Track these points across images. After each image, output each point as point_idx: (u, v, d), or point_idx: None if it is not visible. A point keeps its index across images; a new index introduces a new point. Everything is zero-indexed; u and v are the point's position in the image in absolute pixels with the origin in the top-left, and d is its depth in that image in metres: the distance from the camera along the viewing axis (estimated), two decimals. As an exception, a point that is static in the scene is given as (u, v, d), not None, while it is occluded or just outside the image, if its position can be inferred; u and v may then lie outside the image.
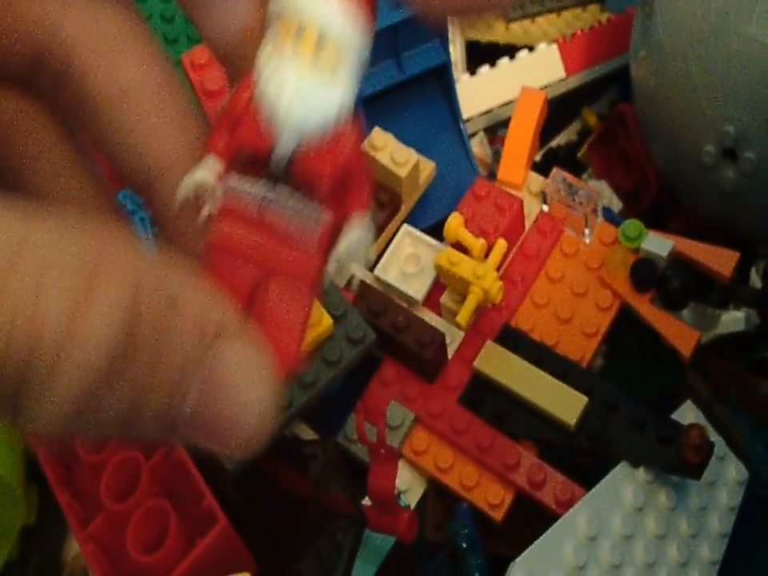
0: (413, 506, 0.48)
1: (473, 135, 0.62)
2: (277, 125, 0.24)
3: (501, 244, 0.50)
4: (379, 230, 0.53)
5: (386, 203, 0.53)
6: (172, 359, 0.21)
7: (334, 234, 0.25)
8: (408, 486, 0.49)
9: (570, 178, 0.54)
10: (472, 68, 0.65)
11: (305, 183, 0.24)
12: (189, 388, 0.21)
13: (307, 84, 0.23)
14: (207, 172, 0.25)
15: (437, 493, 0.49)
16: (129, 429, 0.22)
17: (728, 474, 0.49)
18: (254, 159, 0.24)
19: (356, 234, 0.25)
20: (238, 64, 0.26)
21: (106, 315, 0.20)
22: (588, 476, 0.47)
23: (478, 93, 0.63)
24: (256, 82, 0.24)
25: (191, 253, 0.25)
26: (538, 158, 0.63)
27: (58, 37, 0.25)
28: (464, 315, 0.48)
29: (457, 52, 0.67)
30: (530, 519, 0.46)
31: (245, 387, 0.22)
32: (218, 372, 0.22)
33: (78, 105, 0.26)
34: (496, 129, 0.64)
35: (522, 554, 0.43)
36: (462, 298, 0.49)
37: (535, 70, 0.64)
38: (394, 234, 0.52)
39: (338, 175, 0.24)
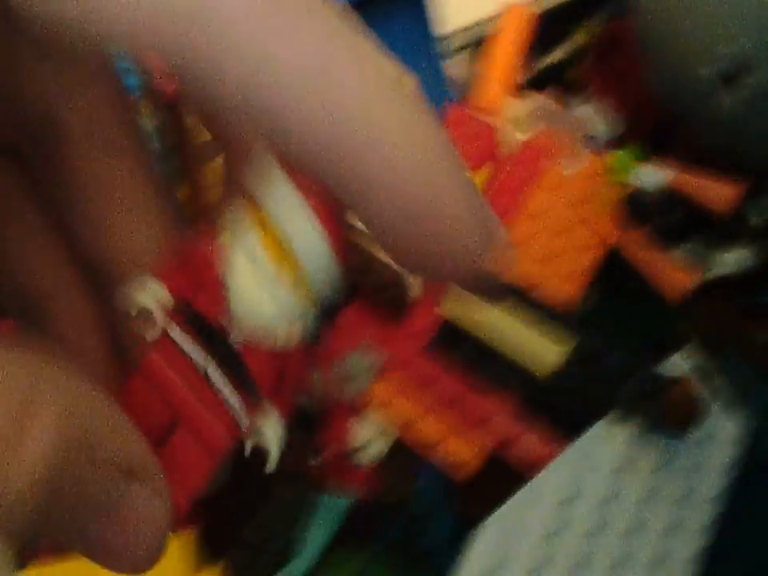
0: (370, 464, 0.44)
1: (458, 51, 0.57)
2: (229, 316, 0.24)
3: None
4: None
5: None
6: (80, 502, 0.22)
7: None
8: (368, 441, 0.45)
9: (553, 103, 0.50)
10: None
11: (240, 375, 0.24)
12: (91, 524, 0.22)
13: (256, 297, 0.23)
14: (153, 300, 0.25)
15: (400, 449, 0.45)
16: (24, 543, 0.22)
17: (723, 429, 0.45)
18: (200, 320, 0.24)
19: (272, 427, 0.25)
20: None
21: (33, 469, 0.20)
22: (566, 433, 0.43)
23: (463, 6, 0.58)
24: (223, 254, 0.24)
25: (129, 357, 0.26)
26: (527, 78, 0.59)
27: (52, 119, 0.26)
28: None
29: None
30: (501, 478, 0.43)
31: (143, 528, 0.23)
32: (125, 510, 0.23)
33: (58, 185, 0.26)
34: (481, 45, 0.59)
35: (487, 520, 0.39)
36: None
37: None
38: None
39: (265, 379, 0.25)
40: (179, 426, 0.25)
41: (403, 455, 0.45)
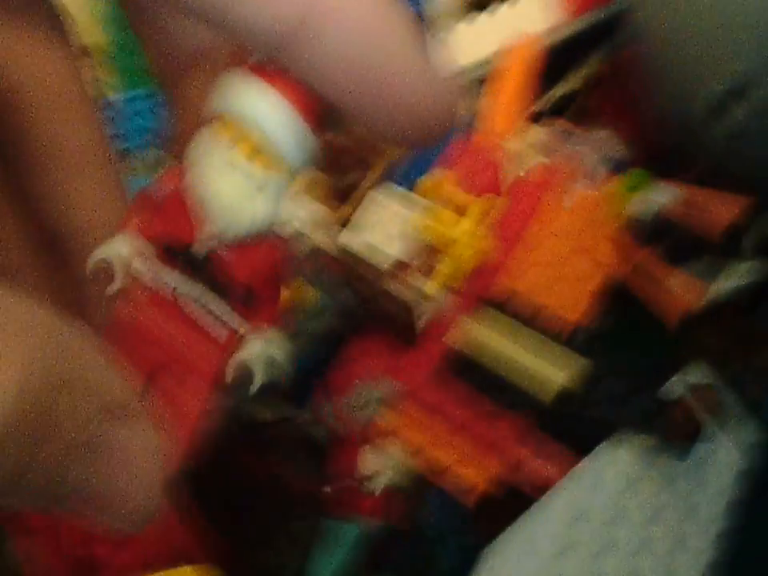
0: (380, 492, 0.45)
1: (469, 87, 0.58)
2: (199, 224, 0.23)
3: (475, 207, 0.47)
4: (347, 191, 0.50)
5: (355, 165, 0.50)
6: (58, 441, 0.21)
7: (239, 340, 0.25)
8: (376, 469, 0.45)
9: (569, 127, 0.50)
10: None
11: (219, 284, 0.24)
12: (73, 466, 0.21)
13: (236, 193, 0.23)
14: (117, 249, 0.25)
15: (407, 477, 0.46)
16: (11, 498, 0.21)
17: (726, 447, 0.45)
18: (170, 248, 0.24)
19: (256, 346, 0.25)
20: (183, 91, 0.27)
21: (3, 392, 0.19)
22: (572, 454, 0.43)
23: (474, 41, 0.59)
24: (186, 173, 0.23)
25: (97, 321, 0.26)
26: (541, 106, 0.59)
27: (10, 88, 0.26)
28: (433, 285, 0.45)
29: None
30: (508, 503, 0.43)
31: (135, 469, 0.23)
32: (109, 452, 0.22)
33: (15, 151, 0.26)
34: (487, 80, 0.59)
35: (493, 543, 0.40)
36: (437, 265, 0.46)
37: (535, 15, 0.59)
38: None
39: (252, 284, 0.24)
40: (166, 364, 0.25)
41: (414, 482, 0.45)
